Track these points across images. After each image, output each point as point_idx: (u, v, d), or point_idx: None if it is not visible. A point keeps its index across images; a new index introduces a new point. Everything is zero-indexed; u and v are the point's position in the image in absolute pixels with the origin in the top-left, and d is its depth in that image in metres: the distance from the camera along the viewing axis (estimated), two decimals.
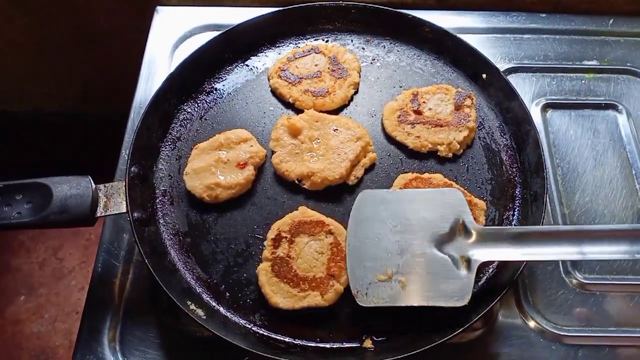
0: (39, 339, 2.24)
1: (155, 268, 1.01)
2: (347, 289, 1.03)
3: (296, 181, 1.15)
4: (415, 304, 0.97)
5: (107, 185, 1.07)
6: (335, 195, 1.15)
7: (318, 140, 1.18)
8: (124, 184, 1.07)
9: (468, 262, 0.97)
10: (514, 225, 1.12)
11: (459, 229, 1.00)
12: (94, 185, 1.05)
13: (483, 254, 0.97)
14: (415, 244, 1.00)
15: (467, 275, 0.96)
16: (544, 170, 1.10)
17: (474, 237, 0.99)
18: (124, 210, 1.05)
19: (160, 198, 1.15)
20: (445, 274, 0.97)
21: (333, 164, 1.15)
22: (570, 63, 1.46)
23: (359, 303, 0.98)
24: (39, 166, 1.40)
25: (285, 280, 1.03)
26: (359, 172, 1.17)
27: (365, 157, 1.19)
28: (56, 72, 2.00)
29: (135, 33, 1.54)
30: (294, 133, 1.18)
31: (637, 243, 0.92)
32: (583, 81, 1.42)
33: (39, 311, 2.30)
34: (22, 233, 2.46)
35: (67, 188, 1.04)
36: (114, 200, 1.06)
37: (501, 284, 1.01)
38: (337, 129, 1.20)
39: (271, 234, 1.08)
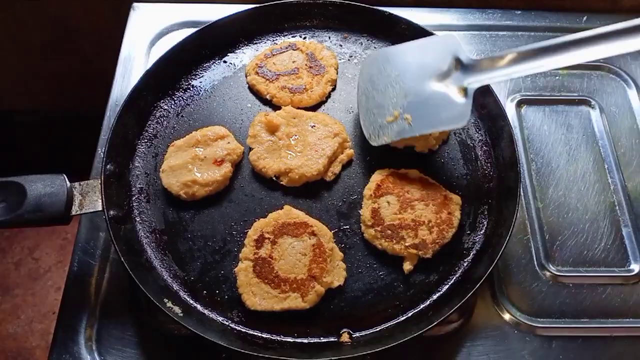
0: (15, 340, 2.21)
1: (132, 266, 1.01)
2: (328, 290, 1.04)
3: (274, 178, 1.16)
4: (419, 134, 1.10)
5: (82, 183, 1.07)
6: (313, 192, 1.16)
7: (295, 137, 1.19)
8: (99, 181, 1.07)
9: (465, 90, 1.07)
10: (487, 220, 1.14)
11: (455, 66, 1.09)
12: (68, 184, 1.04)
13: (477, 80, 1.06)
14: (417, 85, 1.10)
15: (465, 101, 1.06)
16: (518, 165, 1.12)
17: (468, 69, 1.07)
18: (100, 209, 1.04)
19: (136, 196, 1.14)
20: (445, 104, 1.08)
21: (310, 160, 1.15)
22: None
23: (372, 144, 1.14)
24: (14, 165, 1.39)
25: (266, 281, 1.03)
26: (336, 168, 1.18)
27: (342, 153, 1.19)
28: (30, 70, 1.98)
29: (111, 30, 1.53)
30: (272, 129, 1.19)
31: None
32: (557, 77, 1.45)
33: (15, 312, 2.27)
34: None
35: (42, 186, 1.03)
36: (90, 198, 1.05)
37: (476, 277, 1.03)
38: (314, 126, 1.20)
39: (254, 234, 1.08)
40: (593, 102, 1.40)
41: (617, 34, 0.95)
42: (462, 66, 1.08)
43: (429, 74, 1.11)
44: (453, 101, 1.07)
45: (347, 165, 1.20)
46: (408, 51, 1.16)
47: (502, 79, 1.09)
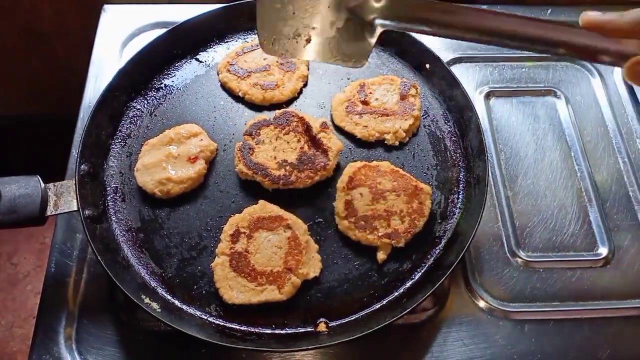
0: None
1: (109, 264, 1.01)
2: (304, 281, 1.05)
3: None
4: (313, 60, 1.03)
5: (56, 184, 1.07)
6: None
7: None
8: (73, 182, 1.07)
9: (372, 26, 0.98)
10: (457, 209, 1.17)
11: None
12: (43, 185, 1.05)
13: (388, 16, 0.97)
14: (325, 7, 0.99)
15: (369, 39, 0.99)
16: (486, 155, 1.14)
17: (383, 2, 0.96)
18: (75, 208, 1.05)
19: (111, 195, 1.15)
20: (348, 36, 1.00)
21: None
22: (511, 52, 1.50)
23: (263, 51, 1.02)
24: None
25: (242, 274, 1.05)
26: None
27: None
28: (2, 75, 1.96)
29: (83, 32, 1.53)
30: None
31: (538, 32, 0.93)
32: (523, 69, 1.48)
33: None
34: None
35: (16, 188, 1.03)
36: (64, 198, 1.06)
37: (448, 264, 1.05)
38: None
39: (229, 230, 1.09)
40: (559, 93, 1.43)
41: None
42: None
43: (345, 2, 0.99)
44: (358, 35, 1.00)
45: None
46: None
47: (415, 30, 0.98)
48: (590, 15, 0.88)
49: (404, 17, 0.96)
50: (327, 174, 1.17)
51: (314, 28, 1.00)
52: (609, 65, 0.90)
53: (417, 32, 1.00)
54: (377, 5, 0.97)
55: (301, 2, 0.99)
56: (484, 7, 1.54)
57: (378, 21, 0.98)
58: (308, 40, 1.01)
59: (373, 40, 0.99)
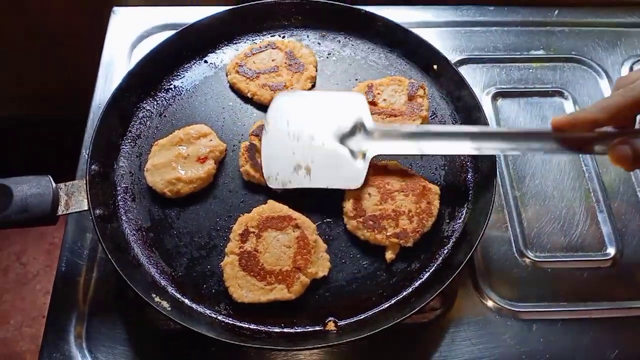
0: (5, 345, 2.20)
1: (119, 264, 1.02)
2: (313, 280, 1.06)
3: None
4: (317, 187, 1.12)
5: (67, 184, 1.08)
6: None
7: None
8: (84, 181, 1.08)
9: (364, 155, 1.13)
10: (466, 209, 1.17)
11: (359, 128, 1.15)
12: (54, 184, 1.06)
13: (378, 148, 1.13)
14: (322, 139, 1.16)
15: (363, 164, 1.13)
16: (494, 155, 1.15)
17: (371, 135, 1.14)
18: (86, 208, 1.06)
19: (121, 195, 1.16)
20: (344, 163, 1.14)
21: None
22: (518, 53, 1.52)
23: (270, 185, 1.13)
24: None
25: (252, 273, 1.05)
26: None
27: None
28: (10, 75, 1.97)
29: (92, 34, 1.54)
30: None
31: (521, 142, 1.06)
32: (531, 70, 1.48)
33: (5, 317, 2.27)
34: None
35: (27, 187, 1.04)
36: (75, 198, 1.07)
37: (456, 263, 1.05)
38: None
39: (239, 229, 1.10)
40: (566, 93, 1.44)
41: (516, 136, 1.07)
42: (365, 130, 1.15)
43: (334, 131, 1.16)
44: (352, 162, 1.14)
45: None
46: (317, 103, 1.22)
47: (399, 152, 1.14)
48: (558, 119, 0.98)
49: (393, 144, 1.13)
50: None
51: (312, 161, 1.14)
52: (599, 154, 1.00)
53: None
54: (369, 141, 1.13)
55: (299, 144, 1.15)
56: (491, 8, 1.59)
57: (370, 152, 1.13)
58: (308, 172, 1.13)
59: (366, 166, 1.12)
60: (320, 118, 1.18)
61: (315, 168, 1.13)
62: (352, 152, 1.14)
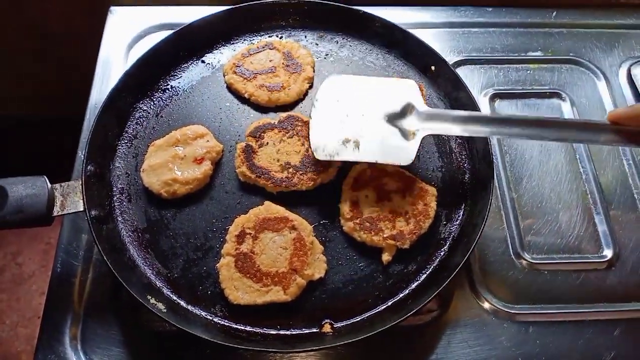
0: (1, 345, 2.20)
1: (114, 265, 1.02)
2: (309, 282, 1.06)
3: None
4: (365, 160, 1.14)
5: (63, 184, 1.08)
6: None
7: None
8: (80, 182, 1.08)
9: (414, 134, 1.14)
10: (462, 211, 1.17)
11: (409, 110, 1.16)
12: (49, 185, 1.05)
13: (428, 128, 1.14)
14: (372, 116, 1.17)
15: (414, 142, 1.13)
16: (491, 157, 1.15)
17: (421, 117, 1.15)
18: (81, 209, 1.05)
19: (117, 196, 1.15)
20: (394, 141, 1.14)
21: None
22: (516, 54, 1.52)
23: (317, 157, 1.14)
24: None
25: (248, 275, 1.05)
26: None
27: None
28: (7, 75, 1.97)
29: (89, 34, 1.54)
30: None
31: (578, 132, 1.05)
32: (528, 71, 1.48)
33: (0, 317, 2.26)
34: None
35: (23, 188, 1.04)
36: (71, 199, 1.06)
37: (453, 266, 1.05)
38: None
39: (235, 230, 1.10)
40: (564, 95, 1.43)
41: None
42: (417, 112, 1.15)
43: (385, 111, 1.17)
44: (402, 140, 1.14)
45: None
46: (368, 85, 1.22)
47: (448, 133, 1.19)
48: (615, 112, 0.99)
49: (442, 126, 1.14)
50: (329, 177, 1.17)
51: (361, 136, 1.14)
52: None
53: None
54: (419, 122, 1.14)
55: (349, 119, 1.16)
56: (489, 9, 1.58)
57: (421, 132, 1.14)
58: (357, 145, 1.14)
59: (417, 144, 1.13)
60: (371, 99, 1.19)
61: (364, 142, 1.14)
62: (403, 132, 1.14)
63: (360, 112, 1.17)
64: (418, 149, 1.12)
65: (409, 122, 1.15)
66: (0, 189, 1.03)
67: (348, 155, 1.13)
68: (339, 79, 1.24)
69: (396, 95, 1.18)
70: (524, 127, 1.08)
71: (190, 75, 1.33)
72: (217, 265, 1.07)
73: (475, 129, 1.11)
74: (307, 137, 1.20)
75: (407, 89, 1.19)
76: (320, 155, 1.13)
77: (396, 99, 1.18)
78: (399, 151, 1.12)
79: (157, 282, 1.07)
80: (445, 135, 1.25)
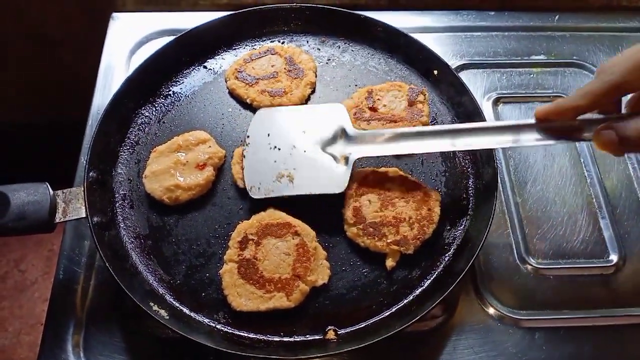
0: (3, 353, 2.19)
1: (117, 271, 1.01)
2: (313, 288, 1.05)
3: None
4: (299, 193, 1.12)
5: (65, 191, 1.07)
6: None
7: None
8: (82, 189, 1.07)
9: (346, 159, 1.13)
10: (467, 216, 1.16)
11: (340, 135, 1.16)
12: (51, 191, 1.05)
13: (360, 151, 1.14)
14: (303, 147, 1.16)
15: (345, 168, 1.12)
16: (495, 161, 1.14)
17: (352, 140, 1.15)
18: (84, 215, 1.05)
19: (120, 202, 1.15)
20: (326, 169, 1.14)
21: None
22: (519, 58, 1.51)
23: (252, 196, 1.13)
24: None
25: (251, 281, 1.04)
26: None
27: None
28: (10, 82, 1.97)
29: (91, 40, 1.54)
30: None
31: (506, 135, 1.04)
32: (531, 75, 1.48)
33: (3, 325, 2.25)
34: None
35: (25, 195, 1.03)
36: (73, 205, 1.06)
37: (457, 271, 1.04)
38: None
39: (237, 237, 1.09)
40: None
41: (494, 129, 1.06)
42: (347, 136, 1.15)
43: (316, 139, 1.16)
44: (334, 167, 1.13)
45: None
46: (299, 115, 1.21)
47: (381, 154, 1.17)
48: (542, 109, 0.99)
49: (372, 148, 1.14)
50: None
51: (294, 169, 1.14)
52: (587, 141, 0.98)
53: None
54: (351, 145, 1.14)
55: (281, 153, 1.16)
56: (492, 13, 1.58)
57: (353, 156, 1.13)
58: (291, 179, 1.13)
59: (349, 170, 1.12)
60: (301, 129, 1.18)
61: (297, 175, 1.13)
62: (335, 158, 1.14)
63: (291, 144, 1.16)
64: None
65: (340, 147, 1.15)
66: (2, 195, 1.02)
67: (283, 190, 1.13)
68: (268, 112, 1.23)
69: (327, 121, 1.18)
70: (454, 136, 1.08)
71: (192, 81, 1.33)
72: (220, 271, 1.06)
73: (404, 145, 1.11)
74: None
75: (337, 113, 1.19)
76: (256, 194, 1.13)
77: (327, 125, 1.17)
78: (332, 179, 1.12)
79: (159, 289, 1.06)
80: None
